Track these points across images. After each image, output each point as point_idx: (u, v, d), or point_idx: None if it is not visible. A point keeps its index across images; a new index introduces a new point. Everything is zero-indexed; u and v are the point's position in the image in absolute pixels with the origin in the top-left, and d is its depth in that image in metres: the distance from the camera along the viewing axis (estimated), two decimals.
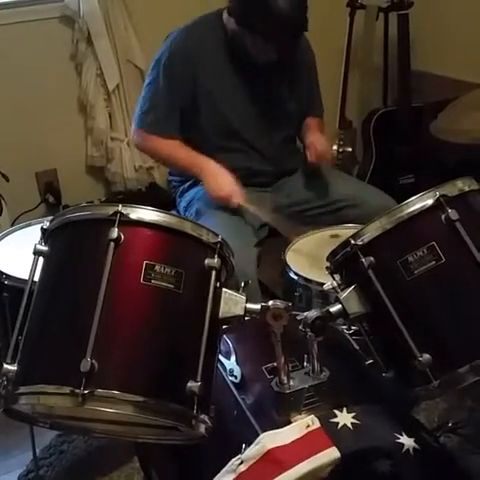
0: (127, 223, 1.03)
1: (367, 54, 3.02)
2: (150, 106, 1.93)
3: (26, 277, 1.10)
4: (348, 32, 2.89)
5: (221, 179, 1.83)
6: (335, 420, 1.06)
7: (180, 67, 1.89)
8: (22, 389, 1.00)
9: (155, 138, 1.94)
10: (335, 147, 2.81)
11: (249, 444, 1.05)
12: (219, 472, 1.04)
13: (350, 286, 1.13)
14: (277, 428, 1.07)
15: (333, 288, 1.18)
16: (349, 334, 1.35)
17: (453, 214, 1.06)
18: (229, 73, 1.91)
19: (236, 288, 1.13)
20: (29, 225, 1.70)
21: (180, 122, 1.93)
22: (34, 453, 1.70)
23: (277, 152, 2.02)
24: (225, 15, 1.88)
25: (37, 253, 1.09)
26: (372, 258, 1.08)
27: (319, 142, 1.95)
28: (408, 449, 1.02)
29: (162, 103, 1.91)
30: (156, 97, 1.92)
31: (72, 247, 1.09)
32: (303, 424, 1.06)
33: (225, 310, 1.08)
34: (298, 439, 1.04)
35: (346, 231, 1.69)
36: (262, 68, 1.89)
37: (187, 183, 2.05)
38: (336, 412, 1.08)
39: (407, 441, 1.03)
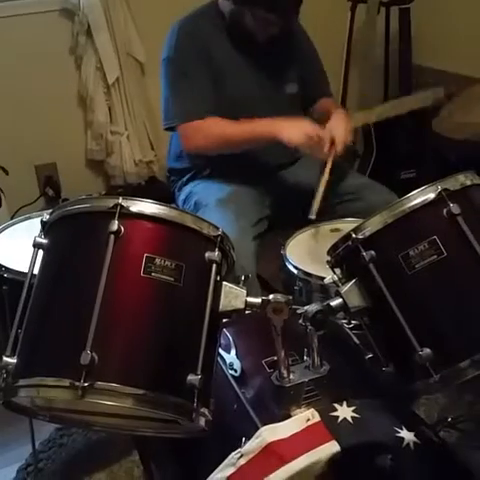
0: (127, 216, 1.03)
1: (368, 48, 3.01)
2: (182, 96, 1.88)
3: (26, 270, 1.09)
4: (349, 26, 2.89)
5: (295, 127, 1.77)
6: (335, 414, 1.06)
7: (193, 47, 1.87)
8: (22, 382, 0.99)
9: (202, 123, 1.84)
10: None
11: (249, 438, 1.05)
12: (219, 466, 1.04)
13: (351, 280, 1.12)
14: (277, 422, 1.07)
15: (334, 282, 1.18)
16: (349, 328, 1.35)
17: (455, 208, 1.05)
18: (231, 58, 1.91)
19: (234, 281, 1.12)
20: (29, 218, 1.70)
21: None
22: (33, 446, 1.69)
23: None
24: (220, 0, 1.90)
25: (37, 246, 1.09)
26: (373, 252, 1.08)
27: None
28: (408, 443, 1.03)
29: (192, 88, 1.86)
30: (183, 86, 1.87)
31: (72, 240, 1.08)
32: (303, 418, 1.06)
33: (225, 304, 1.08)
34: (298, 433, 1.04)
35: (347, 225, 1.68)
36: (263, 51, 1.89)
37: (186, 177, 2.04)
38: (336, 406, 1.08)
39: (407, 435, 1.03)
